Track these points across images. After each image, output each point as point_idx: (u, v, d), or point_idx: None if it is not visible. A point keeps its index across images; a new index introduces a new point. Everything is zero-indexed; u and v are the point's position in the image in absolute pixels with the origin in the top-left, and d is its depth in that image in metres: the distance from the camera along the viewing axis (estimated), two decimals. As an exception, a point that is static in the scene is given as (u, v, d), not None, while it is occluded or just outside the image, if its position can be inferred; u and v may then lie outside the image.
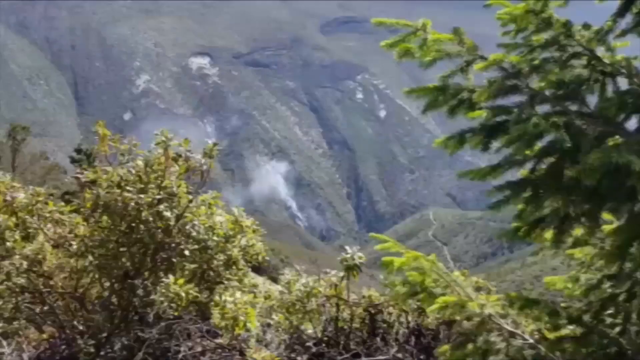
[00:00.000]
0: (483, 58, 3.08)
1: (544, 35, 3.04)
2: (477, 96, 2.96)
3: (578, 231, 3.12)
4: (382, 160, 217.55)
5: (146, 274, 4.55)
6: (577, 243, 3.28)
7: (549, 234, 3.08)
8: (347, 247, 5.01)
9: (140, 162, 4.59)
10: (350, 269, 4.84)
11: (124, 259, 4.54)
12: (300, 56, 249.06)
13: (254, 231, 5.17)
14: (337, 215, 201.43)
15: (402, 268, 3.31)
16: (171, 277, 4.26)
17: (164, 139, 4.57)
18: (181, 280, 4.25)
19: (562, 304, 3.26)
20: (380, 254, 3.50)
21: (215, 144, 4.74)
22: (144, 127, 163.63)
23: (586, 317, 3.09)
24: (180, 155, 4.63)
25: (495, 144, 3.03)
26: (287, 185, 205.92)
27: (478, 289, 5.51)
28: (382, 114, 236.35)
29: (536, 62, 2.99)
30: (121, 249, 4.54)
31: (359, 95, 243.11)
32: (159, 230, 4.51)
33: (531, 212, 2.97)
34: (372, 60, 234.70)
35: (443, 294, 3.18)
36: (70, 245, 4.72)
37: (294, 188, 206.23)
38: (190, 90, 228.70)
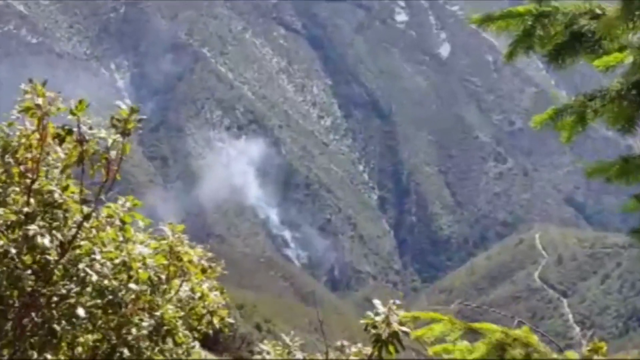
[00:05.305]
0: None
1: None
2: (603, 26, 2.99)
3: None
4: (445, 139, 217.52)
5: (5, 351, 4.60)
6: None
7: None
8: (376, 301, 5.06)
9: (-8, 146, 4.65)
10: (383, 342, 4.89)
11: (-36, 325, 4.60)
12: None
13: (204, 271, 5.23)
14: (361, 242, 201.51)
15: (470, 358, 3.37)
16: (50, 358, 4.31)
17: (38, 100, 4.61)
18: (70, 364, 4.31)
19: None
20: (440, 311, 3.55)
21: (134, 110, 4.79)
22: (2, 80, 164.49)
23: None
24: (69, 131, 4.68)
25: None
26: (265, 186, 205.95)
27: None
28: (445, 50, 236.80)
29: None
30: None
31: (400, 17, 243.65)
32: (29, 272, 4.56)
33: None
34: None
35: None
36: None
37: (279, 190, 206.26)
38: (85, 10, 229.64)
